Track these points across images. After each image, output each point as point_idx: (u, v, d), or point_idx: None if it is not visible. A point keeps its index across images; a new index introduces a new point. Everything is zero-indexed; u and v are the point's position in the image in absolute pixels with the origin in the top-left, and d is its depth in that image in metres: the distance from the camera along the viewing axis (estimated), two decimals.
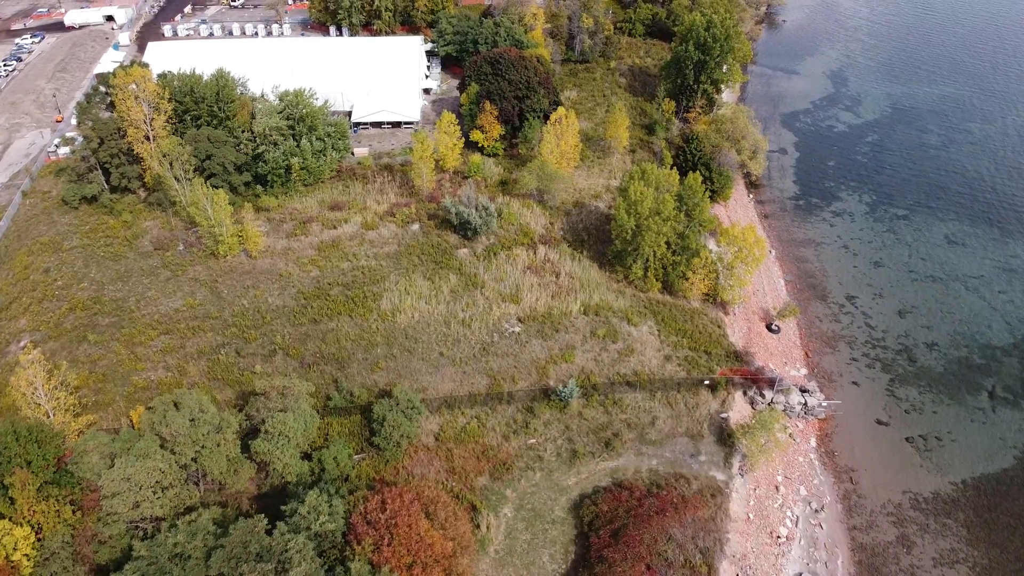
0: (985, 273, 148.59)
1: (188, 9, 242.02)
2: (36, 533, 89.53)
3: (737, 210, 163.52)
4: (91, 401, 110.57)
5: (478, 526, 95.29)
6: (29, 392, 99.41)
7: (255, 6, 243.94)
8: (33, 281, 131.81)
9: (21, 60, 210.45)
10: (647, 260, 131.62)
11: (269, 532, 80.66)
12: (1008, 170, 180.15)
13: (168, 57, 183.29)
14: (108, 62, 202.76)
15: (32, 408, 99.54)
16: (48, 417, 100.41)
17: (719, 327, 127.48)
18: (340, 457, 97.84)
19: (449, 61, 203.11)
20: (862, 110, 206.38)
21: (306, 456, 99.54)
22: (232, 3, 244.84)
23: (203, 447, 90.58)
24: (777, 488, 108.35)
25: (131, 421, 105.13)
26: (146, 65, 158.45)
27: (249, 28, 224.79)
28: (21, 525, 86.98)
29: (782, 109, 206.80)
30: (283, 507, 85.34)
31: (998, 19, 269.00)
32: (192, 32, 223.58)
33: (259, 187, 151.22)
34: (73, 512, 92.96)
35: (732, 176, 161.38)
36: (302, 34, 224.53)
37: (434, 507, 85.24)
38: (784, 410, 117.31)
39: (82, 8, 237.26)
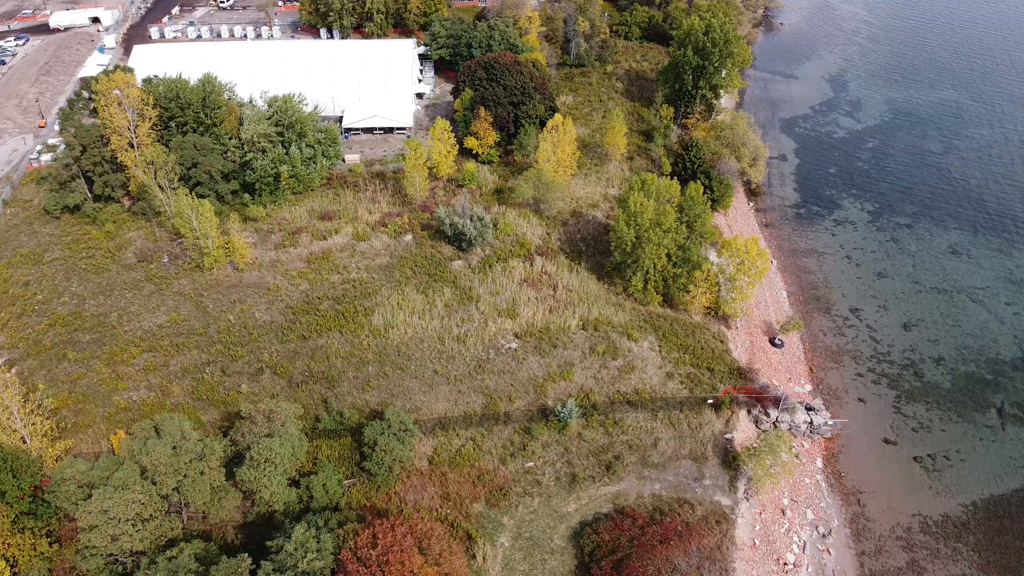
0: (991, 284, 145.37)
1: (176, 11, 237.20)
2: (11, 567, 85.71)
3: (737, 219, 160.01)
4: (71, 423, 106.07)
5: (474, 556, 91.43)
6: (4, 417, 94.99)
7: (244, 8, 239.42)
8: (12, 295, 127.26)
9: (4, 63, 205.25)
10: (647, 272, 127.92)
11: (253, 572, 76.60)
12: (1012, 177, 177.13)
13: (154, 60, 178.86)
14: (93, 65, 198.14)
15: (8, 434, 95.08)
16: (24, 443, 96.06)
17: (722, 342, 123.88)
18: (329, 484, 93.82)
19: (443, 65, 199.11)
20: (862, 115, 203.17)
21: (294, 482, 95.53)
22: (221, 5, 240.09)
23: (185, 476, 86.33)
24: (783, 512, 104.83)
25: (112, 446, 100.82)
26: (131, 69, 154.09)
27: (238, 30, 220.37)
28: None
29: (781, 114, 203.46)
30: (268, 543, 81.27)
31: (1000, 21, 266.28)
32: (179, 34, 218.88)
33: (247, 196, 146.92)
34: (50, 544, 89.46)
35: (732, 184, 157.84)
36: (292, 37, 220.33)
37: (428, 540, 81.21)
38: (789, 429, 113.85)
39: (68, 10, 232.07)
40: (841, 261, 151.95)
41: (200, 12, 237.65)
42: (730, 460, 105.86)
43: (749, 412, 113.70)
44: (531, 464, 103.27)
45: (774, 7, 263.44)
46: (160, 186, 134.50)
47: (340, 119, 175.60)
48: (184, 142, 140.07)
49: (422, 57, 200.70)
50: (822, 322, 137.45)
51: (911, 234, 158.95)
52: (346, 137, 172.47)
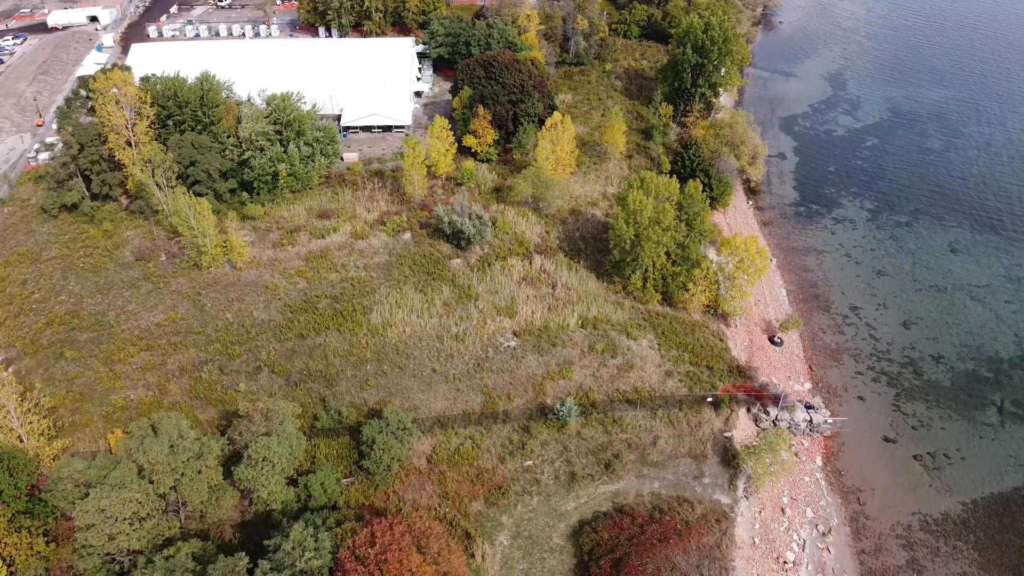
0: (990, 282, 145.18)
1: (174, 9, 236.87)
2: (8, 567, 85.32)
3: (736, 217, 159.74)
4: (68, 422, 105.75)
5: (472, 555, 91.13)
6: (1, 416, 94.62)
7: (242, 6, 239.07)
8: (9, 294, 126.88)
9: (2, 62, 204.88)
10: (646, 271, 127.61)
11: (251, 571, 76.24)
12: (1012, 176, 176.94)
13: (152, 59, 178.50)
14: (91, 64, 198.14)
15: (4, 433, 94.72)
16: (21, 442, 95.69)
17: (721, 340, 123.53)
18: (327, 483, 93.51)
19: (441, 63, 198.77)
20: (861, 114, 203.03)
21: (292, 481, 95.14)
22: (219, 3, 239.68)
23: (183, 475, 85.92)
24: (783, 510, 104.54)
25: (109, 444, 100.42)
26: (128, 68, 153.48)
27: (236, 29, 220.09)
28: None
29: (780, 113, 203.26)
30: (266, 542, 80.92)
31: (998, 19, 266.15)
32: (178, 33, 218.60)
33: (245, 194, 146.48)
34: (47, 543, 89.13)
35: (731, 183, 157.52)
36: (290, 35, 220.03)
37: (426, 539, 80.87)
38: (789, 428, 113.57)
39: (66, 9, 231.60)
40: (840, 259, 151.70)
41: (198, 11, 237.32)
42: (730, 458, 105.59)
43: (748, 410, 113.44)
44: (530, 463, 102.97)
45: (773, 5, 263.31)
46: (158, 184, 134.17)
47: (338, 117, 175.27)
48: (182, 140, 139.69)
49: (420, 55, 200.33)
50: (821, 320, 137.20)
51: (910, 232, 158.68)
52: (344, 135, 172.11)
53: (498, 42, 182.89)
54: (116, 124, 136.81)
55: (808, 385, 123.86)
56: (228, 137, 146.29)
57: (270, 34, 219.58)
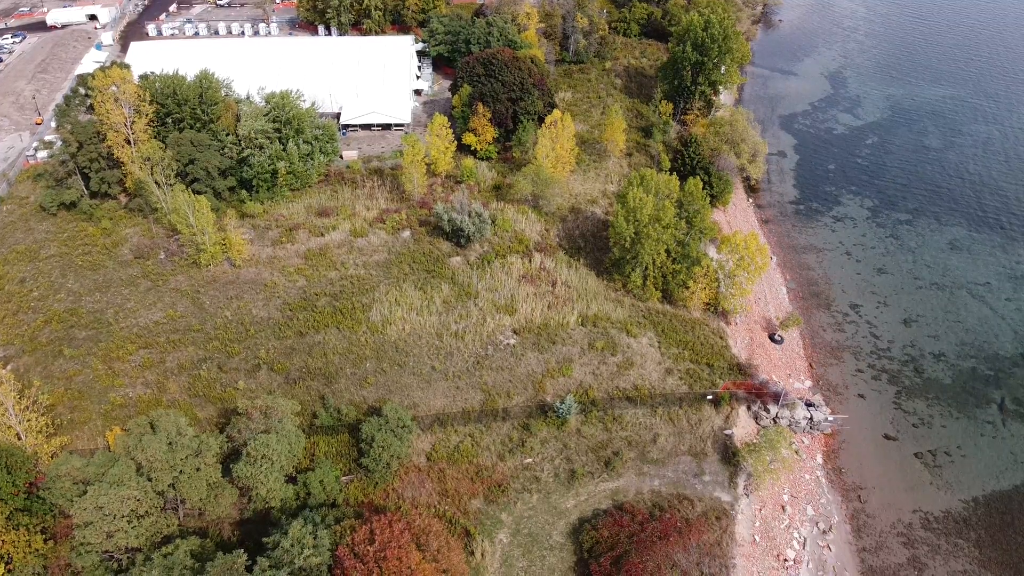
0: (991, 280, 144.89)
1: (173, 8, 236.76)
2: (6, 565, 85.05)
3: (736, 215, 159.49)
4: (66, 420, 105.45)
5: (472, 553, 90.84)
6: None
7: (242, 5, 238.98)
8: (8, 292, 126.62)
9: (2, 61, 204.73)
10: (646, 268, 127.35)
11: (250, 568, 75.93)
12: (1012, 173, 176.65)
13: (151, 57, 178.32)
14: (90, 62, 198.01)
15: (2, 431, 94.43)
16: (19, 439, 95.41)
17: (721, 338, 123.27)
18: (327, 480, 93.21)
19: (440, 61, 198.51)
20: (862, 112, 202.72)
21: (291, 479, 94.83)
22: (218, 2, 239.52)
23: (181, 472, 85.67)
24: (783, 508, 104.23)
25: (107, 442, 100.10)
26: (127, 66, 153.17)
27: (235, 27, 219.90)
28: None
29: (780, 111, 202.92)
30: (265, 539, 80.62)
31: (997, 19, 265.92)
32: (177, 31, 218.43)
33: (244, 192, 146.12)
34: (45, 541, 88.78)
35: (731, 180, 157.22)
36: (290, 34, 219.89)
37: (426, 537, 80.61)
38: (789, 425, 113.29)
39: (65, 7, 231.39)
40: (841, 257, 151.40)
41: (197, 9, 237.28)
42: (730, 456, 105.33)
43: (749, 408, 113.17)
44: (530, 460, 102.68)
45: (773, 4, 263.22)
46: (157, 182, 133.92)
47: (338, 115, 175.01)
48: (181, 138, 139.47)
49: (420, 54, 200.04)
50: (822, 318, 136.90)
51: (911, 230, 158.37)
52: (344, 133, 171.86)
53: (498, 40, 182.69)
54: (115, 122, 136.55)
55: (808, 383, 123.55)
56: (227, 135, 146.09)
57: (269, 32, 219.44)
